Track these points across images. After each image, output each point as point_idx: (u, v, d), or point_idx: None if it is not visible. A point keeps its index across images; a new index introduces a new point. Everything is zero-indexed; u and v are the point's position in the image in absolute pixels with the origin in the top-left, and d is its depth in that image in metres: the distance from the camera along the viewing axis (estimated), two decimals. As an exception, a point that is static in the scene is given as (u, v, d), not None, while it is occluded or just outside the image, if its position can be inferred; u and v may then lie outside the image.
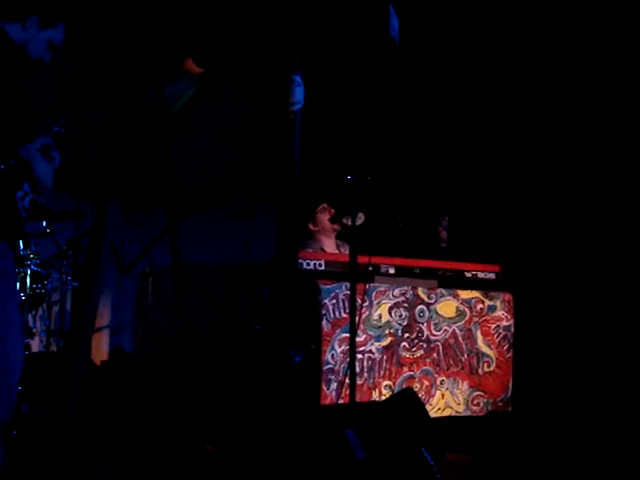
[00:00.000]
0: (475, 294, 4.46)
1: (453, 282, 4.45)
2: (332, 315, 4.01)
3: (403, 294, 4.25)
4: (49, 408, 3.95)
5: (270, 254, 4.39)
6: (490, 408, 4.42)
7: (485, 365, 4.45)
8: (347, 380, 3.78)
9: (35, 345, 5.06)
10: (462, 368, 4.38)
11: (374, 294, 4.16)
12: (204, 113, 5.51)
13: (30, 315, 4.79)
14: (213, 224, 6.25)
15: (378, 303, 4.17)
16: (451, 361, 4.35)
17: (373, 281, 4.20)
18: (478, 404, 4.40)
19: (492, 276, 4.62)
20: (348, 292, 3.80)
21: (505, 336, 4.51)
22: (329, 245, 4.86)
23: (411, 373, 4.23)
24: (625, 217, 4.99)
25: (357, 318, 3.82)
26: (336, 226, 4.78)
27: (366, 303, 4.07)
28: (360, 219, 3.98)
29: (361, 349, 4.05)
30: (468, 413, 4.36)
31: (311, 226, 4.87)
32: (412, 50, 4.94)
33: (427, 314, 4.31)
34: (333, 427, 3.39)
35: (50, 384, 4.14)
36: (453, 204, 5.78)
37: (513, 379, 4.51)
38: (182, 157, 5.18)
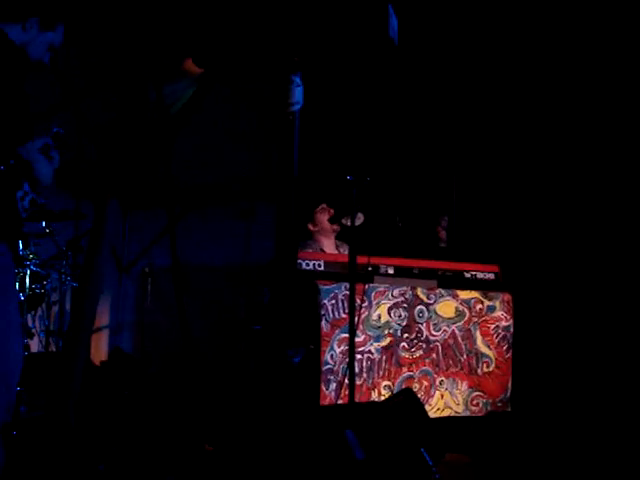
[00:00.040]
0: (474, 294, 4.46)
1: (452, 282, 4.46)
2: (331, 315, 4.01)
3: (402, 294, 4.25)
4: (48, 408, 3.95)
5: (269, 254, 4.39)
6: (489, 408, 4.42)
7: (484, 365, 4.45)
8: (346, 380, 3.78)
9: (34, 345, 5.05)
10: (461, 368, 4.38)
11: (373, 294, 4.16)
12: (204, 113, 5.52)
13: (29, 315, 4.78)
14: (213, 224, 6.25)
15: (377, 303, 4.17)
16: (450, 361, 4.35)
17: (372, 281, 4.20)
18: (477, 404, 4.40)
19: (491, 276, 4.62)
20: (347, 292, 3.80)
21: (504, 336, 4.51)
22: (328, 245, 4.86)
23: (410, 373, 4.23)
24: (624, 217, 5.00)
25: (356, 318, 3.82)
26: (335, 226, 4.79)
27: (365, 303, 4.07)
28: (359, 219, 3.98)
29: (360, 349, 4.05)
30: (467, 413, 4.36)
31: (310, 226, 4.87)
32: (411, 50, 4.95)
33: (426, 314, 4.31)
34: (332, 427, 3.38)
35: (49, 384, 4.13)
36: (452, 204, 5.79)
37: (512, 379, 4.51)
38: (182, 157, 5.20)
